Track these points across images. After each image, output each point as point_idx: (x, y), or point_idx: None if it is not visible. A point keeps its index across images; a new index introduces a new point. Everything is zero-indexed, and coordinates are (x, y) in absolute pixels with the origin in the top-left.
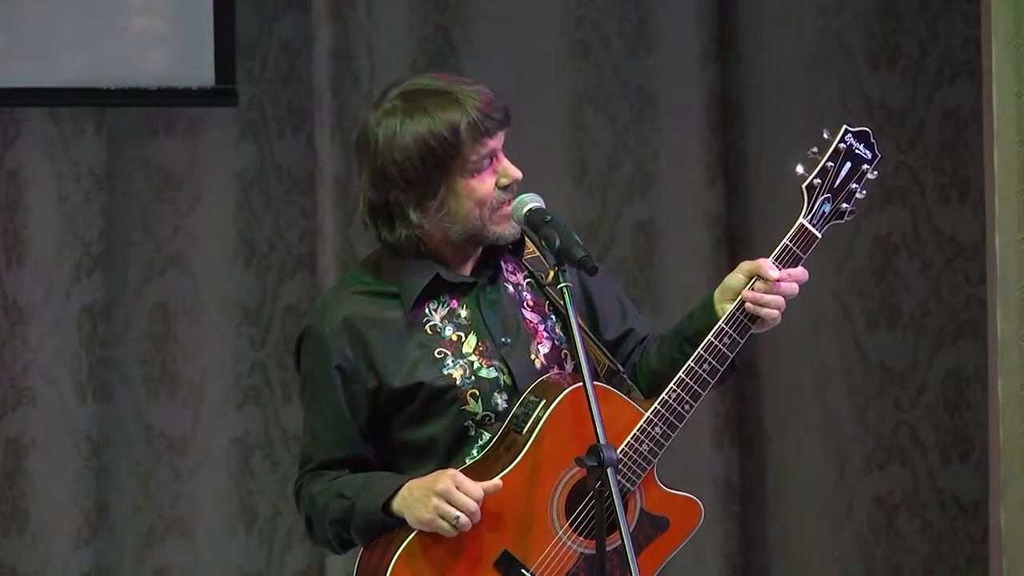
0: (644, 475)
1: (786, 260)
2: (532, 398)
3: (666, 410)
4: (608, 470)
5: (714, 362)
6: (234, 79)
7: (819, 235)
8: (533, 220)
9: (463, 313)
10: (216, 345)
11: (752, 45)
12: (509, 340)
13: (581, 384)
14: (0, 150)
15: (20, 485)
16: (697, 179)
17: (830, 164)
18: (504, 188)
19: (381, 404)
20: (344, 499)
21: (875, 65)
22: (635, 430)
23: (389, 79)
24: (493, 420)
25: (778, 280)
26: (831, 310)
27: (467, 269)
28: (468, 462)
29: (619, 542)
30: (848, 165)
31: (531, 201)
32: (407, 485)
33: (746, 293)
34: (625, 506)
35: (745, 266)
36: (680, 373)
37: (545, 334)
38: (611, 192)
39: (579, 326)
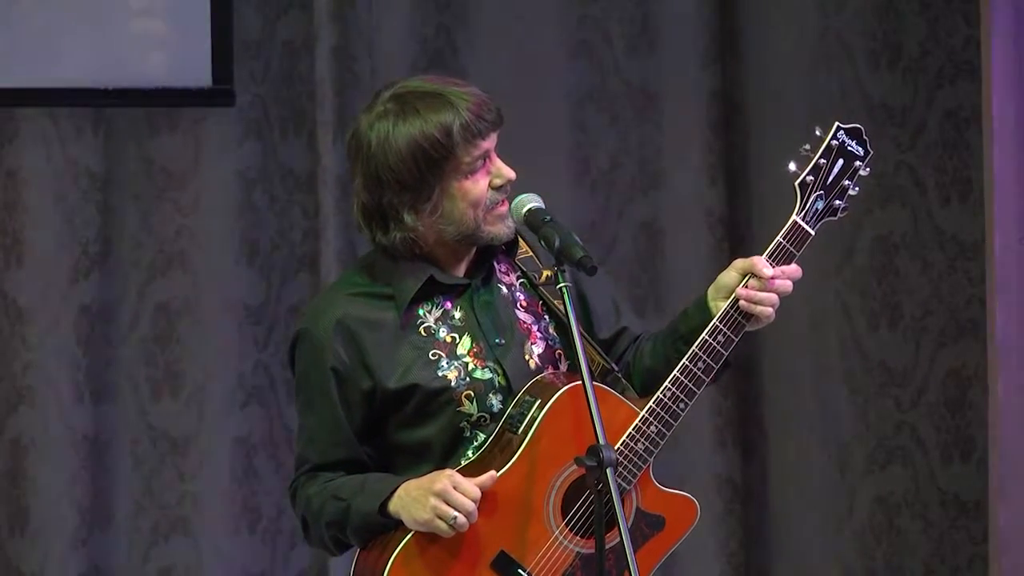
0: (640, 474)
1: (780, 258)
2: (527, 398)
3: (661, 409)
4: (607, 470)
5: (709, 360)
6: (231, 80)
7: (812, 232)
8: (533, 220)
9: (457, 314)
10: (219, 345)
11: (753, 45)
12: (503, 341)
13: (576, 383)
14: None
15: (20, 485)
16: (699, 178)
17: (823, 161)
18: (498, 189)
19: (376, 405)
20: (340, 501)
21: (875, 65)
22: (631, 429)
23: (390, 79)
24: (488, 421)
25: (772, 278)
26: (832, 310)
27: (461, 270)
28: (463, 463)
29: (616, 541)
30: (841, 162)
31: (531, 201)
32: (403, 486)
33: (740, 291)
34: (622, 505)
35: (739, 264)
36: (675, 371)
37: (539, 334)
38: (613, 191)
39: (566, 319)
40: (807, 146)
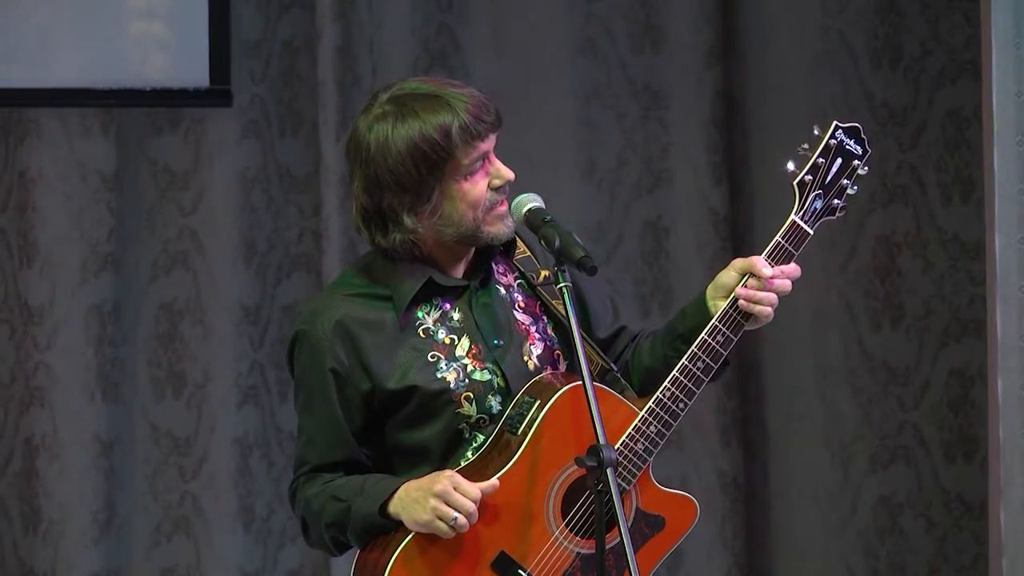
0: (640, 474)
1: (778, 257)
2: (526, 399)
3: (661, 409)
4: (607, 470)
5: (708, 360)
6: (228, 80)
7: (811, 231)
8: (532, 220)
9: (456, 316)
10: (218, 345)
11: (755, 44)
12: (502, 342)
13: (576, 384)
14: (8, 151)
15: (33, 485)
16: (704, 177)
17: (821, 160)
18: (497, 189)
19: (375, 407)
20: (340, 502)
21: (877, 64)
22: (630, 429)
23: (392, 78)
24: (487, 422)
25: (771, 277)
26: (835, 309)
27: (459, 271)
28: (463, 464)
29: (616, 541)
30: (839, 161)
31: (530, 201)
32: (404, 487)
33: (739, 291)
34: (622, 505)
35: (738, 263)
36: (674, 371)
37: (537, 335)
38: (619, 190)
39: (565, 320)
40: (805, 145)
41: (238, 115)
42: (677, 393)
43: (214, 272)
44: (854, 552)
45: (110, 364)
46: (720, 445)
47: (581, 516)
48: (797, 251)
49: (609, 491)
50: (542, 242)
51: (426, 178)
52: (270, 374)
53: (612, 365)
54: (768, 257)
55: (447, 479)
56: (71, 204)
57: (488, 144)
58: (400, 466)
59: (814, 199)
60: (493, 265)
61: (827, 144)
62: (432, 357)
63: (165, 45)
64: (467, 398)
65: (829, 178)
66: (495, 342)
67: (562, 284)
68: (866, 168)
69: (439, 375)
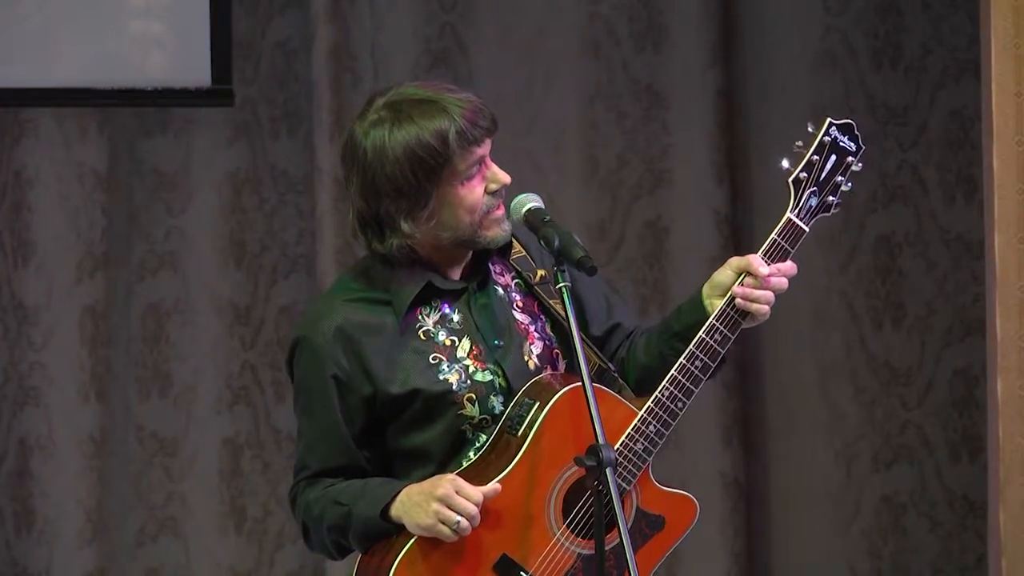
0: (639, 474)
1: (775, 255)
2: (526, 400)
3: (660, 408)
4: (607, 470)
5: (706, 359)
6: (230, 79)
7: (807, 229)
8: (532, 220)
9: (455, 318)
10: (209, 345)
11: (756, 44)
12: (502, 343)
13: (575, 385)
14: (4, 151)
15: (27, 485)
16: (705, 177)
17: (815, 157)
18: (493, 194)
19: (376, 411)
20: (341, 506)
21: (878, 64)
22: (630, 429)
23: (393, 79)
24: (490, 423)
25: (768, 276)
26: (836, 309)
27: (457, 273)
28: (465, 464)
29: (616, 541)
30: (833, 158)
31: (530, 201)
32: (405, 490)
33: (736, 289)
34: (622, 505)
35: (734, 262)
36: (672, 371)
37: (536, 334)
38: (621, 190)
39: (565, 320)
40: (800, 142)
41: (229, 116)
42: (676, 392)
43: (203, 273)
44: (857, 552)
45: (105, 364)
46: (721, 445)
47: (582, 517)
48: (793, 249)
49: (609, 491)
50: (542, 242)
51: (423, 184)
52: (264, 374)
53: (610, 364)
54: (764, 255)
55: (449, 483)
56: (67, 204)
57: (484, 149)
58: (402, 467)
59: (809, 196)
60: (490, 266)
61: (821, 141)
62: (433, 359)
63: (166, 45)
64: (469, 399)
65: (824, 175)
66: (495, 342)
67: (561, 284)
68: (860, 164)
69: (441, 377)
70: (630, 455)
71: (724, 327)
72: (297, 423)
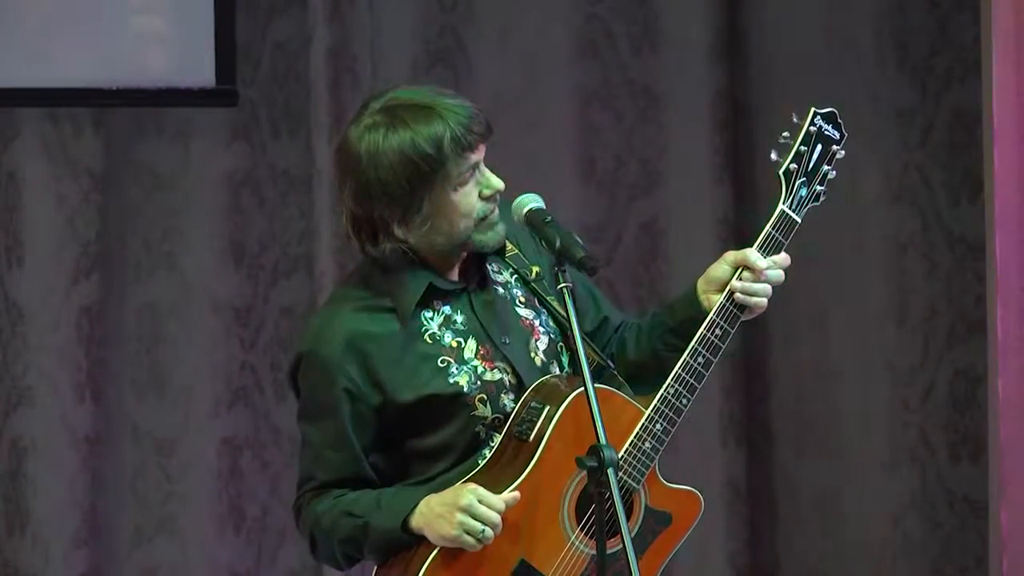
0: (647, 472)
1: (769, 248)
2: (534, 404)
3: (665, 406)
4: (608, 470)
5: (708, 354)
6: (234, 79)
7: (799, 220)
8: (533, 220)
9: (459, 318)
10: (208, 346)
11: (758, 44)
12: (508, 340)
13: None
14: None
15: (21, 486)
16: (703, 178)
17: (803, 148)
18: (487, 199)
19: (387, 419)
20: (355, 518)
21: (882, 64)
22: (637, 428)
23: (392, 80)
24: (502, 421)
25: (765, 269)
26: (837, 310)
27: (454, 274)
28: (480, 463)
29: (622, 544)
30: (819, 147)
31: (531, 201)
32: (425, 501)
33: (735, 284)
34: (630, 504)
35: (730, 256)
36: (676, 368)
37: (541, 329)
38: (618, 191)
39: (565, 319)
40: (786, 133)
41: (228, 116)
42: (681, 390)
43: (202, 274)
44: (856, 554)
45: (100, 365)
46: (720, 446)
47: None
48: (787, 240)
49: (610, 491)
50: (543, 242)
51: (417, 189)
52: (264, 375)
53: (609, 362)
54: (760, 248)
55: (471, 492)
56: (63, 205)
57: (478, 154)
58: (420, 466)
59: (800, 187)
60: (487, 265)
61: (807, 131)
62: (442, 362)
63: (169, 44)
64: (481, 400)
65: (812, 165)
66: (503, 340)
67: (563, 285)
68: (843, 152)
69: (451, 380)
70: (639, 454)
71: (724, 322)
72: (301, 433)
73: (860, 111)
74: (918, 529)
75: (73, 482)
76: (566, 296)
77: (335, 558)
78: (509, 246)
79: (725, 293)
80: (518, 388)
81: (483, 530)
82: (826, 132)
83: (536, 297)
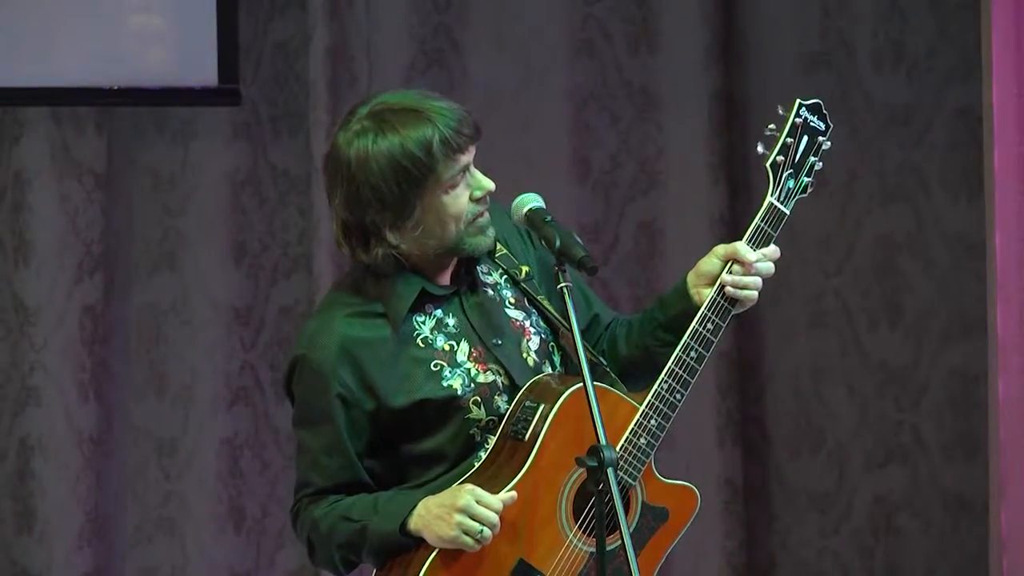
0: (643, 468)
1: (759, 240)
2: (528, 403)
3: (660, 401)
4: (608, 470)
5: (700, 349)
6: (237, 78)
7: (788, 212)
8: (533, 220)
9: (451, 321)
10: (208, 345)
11: (754, 45)
12: (500, 341)
13: (579, 386)
14: (4, 151)
15: (27, 485)
16: (700, 179)
17: (790, 140)
18: (477, 201)
19: (382, 424)
20: (353, 522)
21: (878, 64)
22: (632, 424)
23: (389, 80)
24: (496, 423)
25: (755, 262)
26: (832, 309)
27: (446, 278)
28: (476, 465)
29: (620, 541)
30: (806, 139)
31: (531, 201)
32: (422, 504)
33: (725, 277)
34: (628, 501)
35: (720, 250)
36: (670, 363)
37: (532, 329)
38: (614, 191)
39: (558, 319)
40: (772, 125)
41: (228, 116)
42: (674, 384)
43: (204, 273)
44: (850, 552)
45: (104, 364)
46: (715, 445)
47: (592, 516)
48: (776, 232)
49: (610, 491)
50: (543, 242)
51: (407, 193)
52: (264, 375)
53: (602, 360)
54: (749, 241)
55: (468, 493)
56: (67, 204)
57: (468, 156)
58: (416, 470)
59: (787, 179)
60: (477, 268)
61: (793, 123)
62: (435, 366)
63: (171, 43)
64: (475, 402)
65: (798, 156)
66: (495, 341)
67: (563, 284)
68: (829, 143)
69: (445, 383)
70: (634, 450)
71: (715, 316)
72: (297, 439)
73: (856, 111)
74: (912, 528)
75: (78, 482)
76: (566, 296)
77: (333, 563)
78: (498, 246)
79: (715, 287)
80: (511, 389)
81: (481, 530)
82: (812, 123)
83: (526, 297)
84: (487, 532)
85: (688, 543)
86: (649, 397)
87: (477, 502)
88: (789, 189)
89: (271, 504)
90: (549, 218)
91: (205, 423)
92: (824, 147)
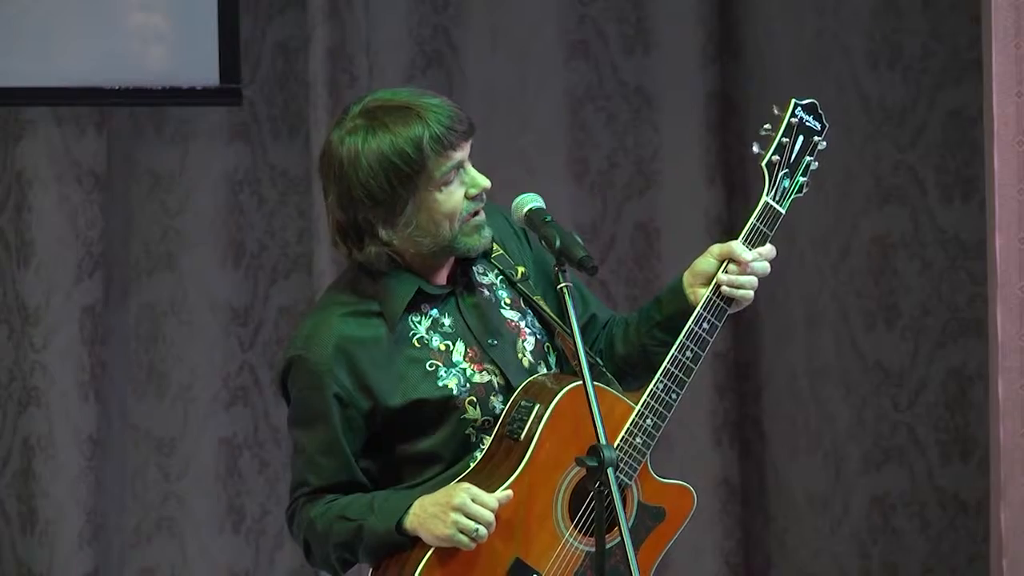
0: (639, 468)
1: (754, 240)
2: (524, 403)
3: (655, 401)
4: (608, 469)
5: (696, 348)
6: (238, 78)
7: (783, 211)
8: (533, 220)
9: (446, 321)
10: (207, 346)
11: (750, 45)
12: (496, 342)
13: (575, 385)
14: (6, 152)
15: (30, 485)
16: (696, 179)
17: (785, 139)
18: (473, 198)
19: (377, 424)
20: (349, 521)
21: (874, 64)
22: (628, 424)
23: (388, 80)
24: (492, 424)
25: (751, 261)
26: (828, 310)
27: (442, 278)
28: (472, 465)
29: (619, 539)
30: (801, 138)
31: (531, 201)
32: (418, 502)
33: (721, 277)
34: (624, 500)
35: (716, 249)
36: (665, 362)
37: (527, 330)
38: (611, 192)
39: (555, 320)
40: (767, 125)
41: (227, 116)
42: (670, 384)
43: (203, 273)
44: (847, 552)
45: (104, 365)
46: (712, 445)
47: (589, 516)
48: (772, 232)
49: (610, 490)
50: (542, 242)
51: (399, 191)
52: (263, 375)
53: (597, 359)
54: (745, 241)
55: (464, 491)
56: (67, 205)
57: (462, 153)
58: (411, 471)
59: (782, 178)
60: (473, 268)
61: (788, 123)
62: (431, 366)
63: (172, 43)
64: (471, 402)
65: (794, 156)
66: (490, 342)
67: (563, 284)
68: (825, 143)
69: (440, 383)
70: (630, 450)
71: (711, 315)
72: (292, 439)
73: (851, 111)
74: (909, 528)
75: (78, 482)
76: (566, 296)
77: (330, 563)
78: (495, 247)
79: (711, 286)
80: (507, 390)
81: (477, 528)
82: (807, 123)
83: (522, 298)
84: (483, 531)
85: (685, 543)
86: (645, 396)
87: (473, 500)
88: (785, 189)
89: (270, 504)
90: (549, 218)
91: (204, 423)
92: (819, 147)
